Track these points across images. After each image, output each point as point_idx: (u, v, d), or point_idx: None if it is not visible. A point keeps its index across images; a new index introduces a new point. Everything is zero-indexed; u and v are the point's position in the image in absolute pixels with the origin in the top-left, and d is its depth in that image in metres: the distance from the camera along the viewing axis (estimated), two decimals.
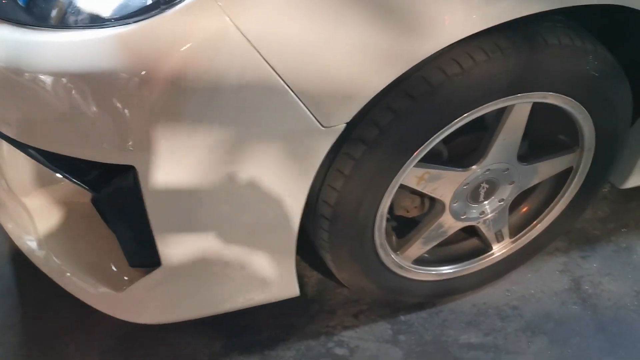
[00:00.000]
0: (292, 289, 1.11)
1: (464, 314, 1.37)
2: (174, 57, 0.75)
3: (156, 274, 1.02)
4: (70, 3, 0.79)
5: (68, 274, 1.08)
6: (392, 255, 1.22)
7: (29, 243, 1.08)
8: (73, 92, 0.76)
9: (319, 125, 0.88)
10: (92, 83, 0.77)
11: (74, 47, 0.76)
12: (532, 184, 1.28)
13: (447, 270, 1.33)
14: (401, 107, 0.95)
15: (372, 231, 1.12)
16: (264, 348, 1.27)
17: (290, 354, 1.26)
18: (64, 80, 0.76)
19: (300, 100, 0.84)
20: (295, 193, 0.95)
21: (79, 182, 0.93)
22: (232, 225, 0.97)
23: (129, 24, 0.76)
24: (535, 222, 1.36)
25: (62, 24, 0.79)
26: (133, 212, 0.92)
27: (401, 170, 1.05)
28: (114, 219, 1.00)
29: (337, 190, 1.01)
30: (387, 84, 0.89)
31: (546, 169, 1.26)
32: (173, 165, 0.84)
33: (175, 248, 0.97)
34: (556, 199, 1.32)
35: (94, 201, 1.00)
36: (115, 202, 0.95)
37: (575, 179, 1.27)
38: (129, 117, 0.79)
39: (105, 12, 0.78)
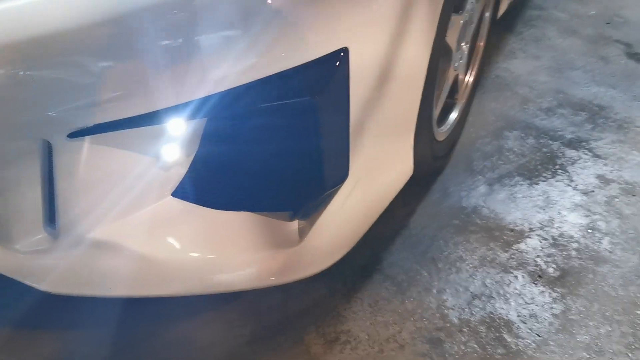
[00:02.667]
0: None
1: None
2: None
3: (344, 189, 0.96)
4: None
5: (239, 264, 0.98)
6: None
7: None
8: None
9: None
10: None
11: None
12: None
13: (452, 116, 1.53)
14: None
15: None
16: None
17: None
18: None
19: None
20: None
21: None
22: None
23: None
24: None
25: None
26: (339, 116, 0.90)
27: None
28: (322, 126, 0.88)
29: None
30: None
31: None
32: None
33: (361, 153, 0.96)
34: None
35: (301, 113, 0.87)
36: (326, 105, 0.87)
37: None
38: None
39: None
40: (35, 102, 0.79)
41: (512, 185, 1.48)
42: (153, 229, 0.96)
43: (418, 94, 1.13)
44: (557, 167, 1.55)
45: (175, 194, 0.96)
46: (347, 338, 1.12)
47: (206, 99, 0.83)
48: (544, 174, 1.52)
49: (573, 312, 1.16)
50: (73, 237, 0.93)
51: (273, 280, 0.98)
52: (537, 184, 1.49)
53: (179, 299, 1.11)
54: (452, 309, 1.17)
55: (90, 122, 0.81)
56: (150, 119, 0.83)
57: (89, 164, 0.86)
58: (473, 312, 1.16)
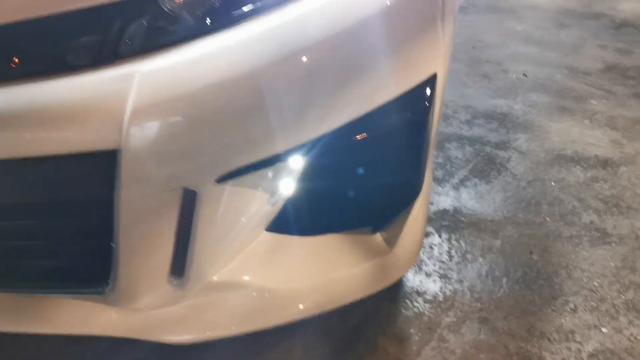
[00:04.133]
0: None
1: None
2: None
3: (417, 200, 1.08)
4: None
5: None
6: None
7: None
8: None
9: None
10: None
11: None
12: None
13: None
14: None
15: None
16: None
17: None
18: None
19: None
20: None
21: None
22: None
23: None
24: None
25: None
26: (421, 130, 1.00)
27: None
28: (412, 148, 1.01)
29: None
30: None
31: None
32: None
33: (427, 166, 1.08)
34: None
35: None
36: (420, 128, 1.00)
37: None
38: None
39: None
40: (194, 150, 0.84)
41: (474, 185, 1.74)
42: (263, 263, 1.02)
43: None
44: (498, 165, 1.84)
45: (269, 228, 1.04)
46: (416, 333, 1.25)
47: (318, 139, 0.94)
48: (492, 173, 1.80)
49: None
50: (199, 284, 0.96)
51: (376, 287, 1.09)
52: (491, 181, 1.76)
53: (247, 337, 1.17)
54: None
55: (237, 164, 0.87)
56: (279, 159, 0.91)
57: (226, 207, 0.91)
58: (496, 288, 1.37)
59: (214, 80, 0.82)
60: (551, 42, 2.79)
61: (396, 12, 0.91)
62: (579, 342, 1.25)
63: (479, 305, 1.33)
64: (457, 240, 1.52)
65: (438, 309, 1.31)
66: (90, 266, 0.95)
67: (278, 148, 0.89)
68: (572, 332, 1.27)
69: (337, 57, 0.88)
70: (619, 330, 1.28)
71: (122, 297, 0.94)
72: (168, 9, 0.84)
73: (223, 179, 0.88)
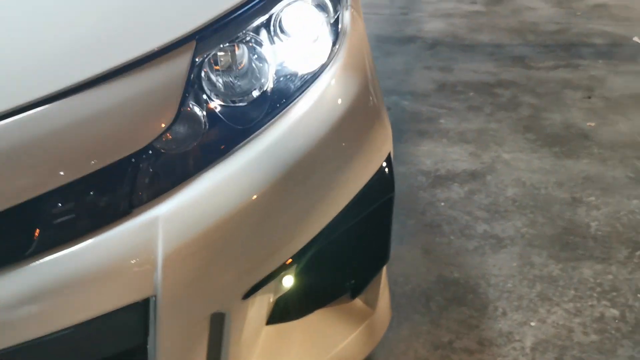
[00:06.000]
0: None
1: None
2: None
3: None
4: None
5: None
6: None
7: None
8: None
9: None
10: None
11: None
12: None
13: None
14: None
15: None
16: None
17: None
18: None
19: None
20: None
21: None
22: None
23: None
24: None
25: None
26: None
27: None
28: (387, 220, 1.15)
29: None
30: None
31: None
32: None
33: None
34: None
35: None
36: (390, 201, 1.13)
37: None
38: None
39: None
40: (224, 276, 0.88)
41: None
42: (274, 355, 1.08)
43: None
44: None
45: (268, 322, 1.10)
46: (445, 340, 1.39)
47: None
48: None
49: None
50: None
51: (370, 347, 1.20)
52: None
53: None
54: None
55: (259, 278, 0.93)
56: (291, 264, 0.98)
57: (248, 318, 0.96)
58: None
59: (230, 209, 0.87)
60: (385, 71, 3.10)
61: (348, 118, 1.02)
62: (519, 340, 1.48)
63: (427, 328, 1.50)
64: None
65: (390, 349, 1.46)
66: None
67: (288, 255, 0.96)
68: (510, 333, 1.50)
69: (315, 166, 0.97)
70: (543, 321, 1.53)
71: None
72: (164, 150, 0.87)
73: (248, 294, 0.93)
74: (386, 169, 1.11)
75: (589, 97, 2.77)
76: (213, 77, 0.93)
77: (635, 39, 3.55)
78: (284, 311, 1.11)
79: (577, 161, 2.25)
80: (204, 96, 0.91)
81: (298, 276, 1.07)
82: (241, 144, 0.92)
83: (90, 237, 0.82)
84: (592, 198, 2.02)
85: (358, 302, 1.22)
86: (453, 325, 1.52)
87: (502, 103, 2.71)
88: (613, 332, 1.50)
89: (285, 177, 0.92)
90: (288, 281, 1.05)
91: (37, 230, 0.81)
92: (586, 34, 3.62)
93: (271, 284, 1.02)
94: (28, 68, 0.81)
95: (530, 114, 2.61)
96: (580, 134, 2.44)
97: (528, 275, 1.69)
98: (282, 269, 0.96)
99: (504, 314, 1.56)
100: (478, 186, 2.09)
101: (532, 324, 1.53)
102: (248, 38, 0.95)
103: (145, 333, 0.87)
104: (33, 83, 0.80)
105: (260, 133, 0.93)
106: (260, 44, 0.96)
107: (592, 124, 2.52)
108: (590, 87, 2.88)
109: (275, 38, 0.97)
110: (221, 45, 0.92)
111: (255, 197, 0.89)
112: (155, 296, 0.84)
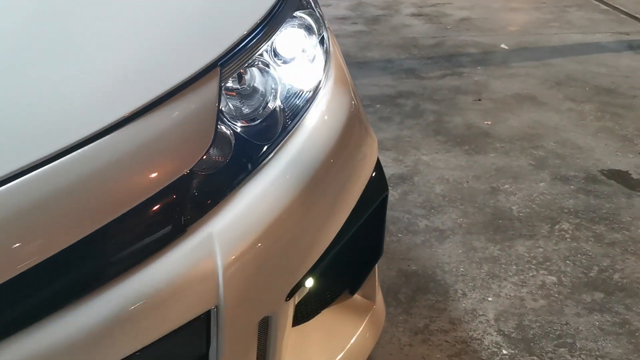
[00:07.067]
0: None
1: None
2: None
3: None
4: None
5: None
6: None
7: None
8: None
9: None
10: None
11: None
12: None
13: None
14: None
15: None
16: None
17: None
18: None
19: None
20: None
21: None
22: None
23: None
24: None
25: None
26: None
27: None
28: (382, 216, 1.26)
29: None
30: None
31: None
32: None
33: None
34: None
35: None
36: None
37: None
38: None
39: None
40: (274, 279, 0.95)
41: None
42: (300, 354, 1.15)
43: None
44: None
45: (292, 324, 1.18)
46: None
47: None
48: None
49: None
50: None
51: (374, 339, 1.30)
52: None
53: None
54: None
55: (298, 278, 1.00)
56: (320, 263, 1.06)
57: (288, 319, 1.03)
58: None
59: (272, 216, 0.95)
60: None
61: (349, 126, 1.13)
62: (483, 315, 1.65)
63: (403, 317, 1.63)
64: None
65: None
66: None
67: (317, 255, 1.05)
68: (474, 310, 1.67)
69: (331, 171, 1.07)
70: (497, 296, 1.72)
71: None
72: (204, 170, 0.93)
73: (289, 295, 1.00)
74: (379, 176, 1.24)
75: (479, 100, 3.09)
76: (226, 101, 1.00)
77: (503, 45, 3.98)
78: (298, 314, 1.19)
79: (486, 156, 2.51)
80: (224, 118, 0.98)
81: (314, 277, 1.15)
82: (267, 158, 1.00)
83: (153, 261, 0.86)
84: (507, 186, 2.28)
85: (357, 297, 1.32)
86: (424, 311, 1.66)
87: (407, 112, 2.95)
88: (556, 295, 1.72)
89: (310, 182, 1.01)
90: (309, 282, 1.13)
91: (102, 261, 0.83)
92: (460, 45, 4.01)
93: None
94: (77, 106, 0.85)
95: (435, 119, 2.86)
96: (481, 132, 2.72)
97: (474, 258, 1.88)
98: (314, 268, 1.05)
99: (464, 294, 1.73)
100: (409, 187, 2.28)
101: (490, 299, 1.71)
102: (257, 62, 1.03)
103: (207, 343, 0.92)
104: (84, 120, 0.83)
105: (281, 147, 1.02)
106: (268, 66, 1.04)
107: (489, 122, 2.82)
108: (477, 91, 3.20)
109: (277, 60, 1.07)
110: (239, 70, 1.00)
111: (289, 203, 0.97)
112: (217, 306, 0.89)
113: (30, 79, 0.87)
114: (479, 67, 3.56)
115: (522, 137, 2.66)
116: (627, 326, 1.61)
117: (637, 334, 1.59)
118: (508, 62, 3.66)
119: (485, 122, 2.82)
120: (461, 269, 1.83)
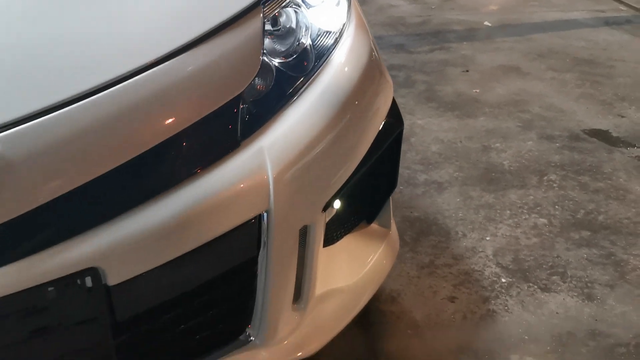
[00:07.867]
0: None
1: None
2: None
3: None
4: None
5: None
6: None
7: None
8: None
9: None
10: None
11: None
12: None
13: None
14: None
15: None
16: None
17: None
18: None
19: None
20: None
21: None
22: None
23: None
24: None
25: None
26: None
27: None
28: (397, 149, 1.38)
29: None
30: None
31: None
32: None
33: None
34: None
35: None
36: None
37: None
38: None
39: None
40: (315, 190, 1.09)
41: None
42: (330, 272, 1.29)
43: None
44: None
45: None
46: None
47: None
48: None
49: None
50: (311, 303, 1.19)
51: (391, 262, 1.44)
52: None
53: None
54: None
55: (334, 191, 1.14)
56: (350, 180, 1.19)
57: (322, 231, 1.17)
58: None
59: (313, 134, 1.08)
60: None
61: (370, 64, 1.27)
62: (482, 251, 1.81)
63: (409, 255, 1.78)
64: None
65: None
66: (235, 322, 1.10)
67: (348, 174, 1.18)
68: (474, 247, 1.83)
69: (357, 101, 1.20)
70: (495, 235, 1.88)
71: (267, 336, 1.12)
72: (253, 94, 1.07)
73: (325, 207, 1.14)
74: (394, 106, 1.38)
75: (467, 71, 3.25)
76: (266, 39, 1.14)
77: (486, 23, 4.15)
78: (326, 235, 1.32)
79: (476, 119, 2.67)
80: (265, 53, 1.11)
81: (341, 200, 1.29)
82: (302, 88, 1.13)
83: (214, 168, 0.99)
84: (498, 144, 2.44)
85: (375, 226, 1.47)
86: (428, 249, 1.82)
87: (400, 82, 3.09)
88: (547, 234, 1.89)
89: (339, 110, 1.15)
90: (337, 204, 1.27)
91: (173, 166, 0.96)
92: (446, 22, 4.16)
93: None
94: (147, 29, 0.98)
95: (426, 88, 3.01)
96: (471, 99, 2.88)
97: (471, 205, 2.03)
98: (343, 187, 1.18)
99: (464, 235, 1.88)
100: (406, 147, 2.42)
101: (487, 238, 1.87)
102: (290, 4, 1.17)
103: (258, 246, 1.05)
104: (160, 41, 0.97)
105: (314, 79, 1.15)
106: (300, 7, 1.18)
107: (478, 90, 2.98)
108: (464, 64, 3.36)
109: (308, 3, 1.20)
110: (277, 9, 1.13)
111: (324, 126, 1.11)
112: (268, 211, 1.02)
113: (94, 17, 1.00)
114: (464, 43, 3.72)
115: (509, 103, 2.83)
116: (612, 257, 1.78)
117: (622, 264, 1.76)
118: (492, 38, 3.82)
119: (474, 90, 2.98)
120: (460, 215, 1.99)
